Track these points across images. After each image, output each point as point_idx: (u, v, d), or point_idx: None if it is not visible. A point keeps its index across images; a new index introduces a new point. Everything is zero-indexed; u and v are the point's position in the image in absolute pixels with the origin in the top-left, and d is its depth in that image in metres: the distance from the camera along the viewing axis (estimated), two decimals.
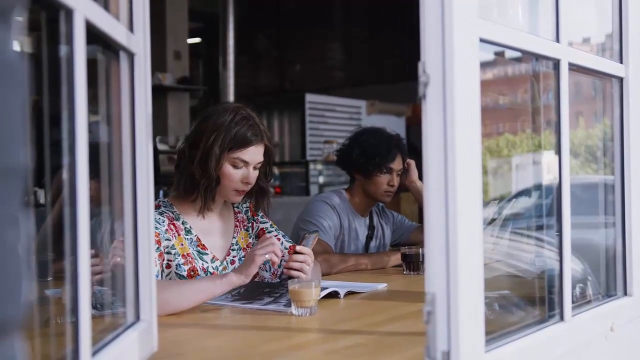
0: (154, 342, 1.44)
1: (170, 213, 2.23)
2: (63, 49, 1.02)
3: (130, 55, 1.36)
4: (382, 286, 2.38)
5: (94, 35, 1.12)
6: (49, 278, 1.51)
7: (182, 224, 2.24)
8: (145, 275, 1.39)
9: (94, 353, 1.09)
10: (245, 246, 2.38)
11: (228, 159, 2.20)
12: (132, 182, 1.37)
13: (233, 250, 2.35)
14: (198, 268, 2.21)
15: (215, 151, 2.17)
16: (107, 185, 1.36)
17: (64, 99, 1.01)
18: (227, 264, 2.30)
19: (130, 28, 1.36)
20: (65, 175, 1.02)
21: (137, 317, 1.38)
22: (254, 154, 2.23)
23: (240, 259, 2.34)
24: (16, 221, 0.53)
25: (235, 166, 2.21)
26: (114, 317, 1.44)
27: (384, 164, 3.01)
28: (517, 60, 1.80)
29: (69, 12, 1.00)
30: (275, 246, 2.02)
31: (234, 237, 2.37)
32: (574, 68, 1.60)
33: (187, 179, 2.22)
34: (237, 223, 2.40)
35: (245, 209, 2.44)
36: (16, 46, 0.57)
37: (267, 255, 1.99)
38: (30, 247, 0.56)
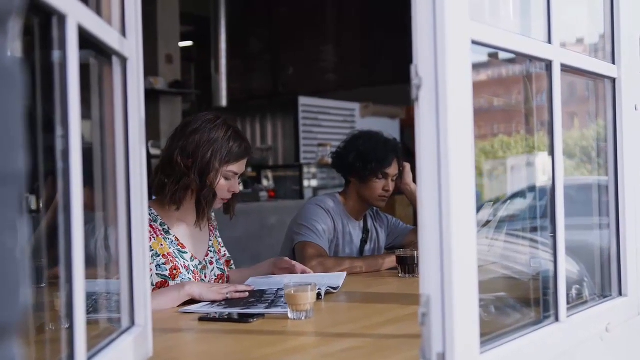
0: (149, 347, 1.43)
1: (148, 215, 2.25)
2: (56, 54, 1.02)
3: (123, 60, 1.35)
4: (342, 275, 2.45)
5: (86, 40, 1.12)
6: (42, 285, 1.50)
7: (160, 225, 2.32)
8: (139, 280, 1.39)
9: (89, 358, 1.09)
10: (217, 250, 2.51)
11: (223, 172, 2.31)
12: (126, 187, 1.37)
13: (210, 251, 2.47)
14: (180, 266, 2.29)
15: (215, 165, 2.28)
16: (100, 192, 1.36)
17: (57, 104, 1.01)
18: (206, 263, 2.42)
19: (123, 33, 1.36)
20: (59, 181, 1.02)
21: (132, 322, 1.38)
22: (244, 165, 2.38)
23: (217, 260, 2.47)
24: (15, 226, 0.54)
25: (226, 178, 2.33)
26: (107, 321, 1.44)
27: (380, 169, 3.00)
28: (511, 61, 1.80)
29: (62, 18, 1.00)
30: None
31: (210, 240, 2.48)
32: (566, 69, 1.60)
33: (181, 190, 2.29)
34: (212, 228, 2.53)
35: (213, 218, 2.57)
36: (13, 52, 0.57)
37: (228, 295, 2.15)
38: (27, 252, 0.56)
